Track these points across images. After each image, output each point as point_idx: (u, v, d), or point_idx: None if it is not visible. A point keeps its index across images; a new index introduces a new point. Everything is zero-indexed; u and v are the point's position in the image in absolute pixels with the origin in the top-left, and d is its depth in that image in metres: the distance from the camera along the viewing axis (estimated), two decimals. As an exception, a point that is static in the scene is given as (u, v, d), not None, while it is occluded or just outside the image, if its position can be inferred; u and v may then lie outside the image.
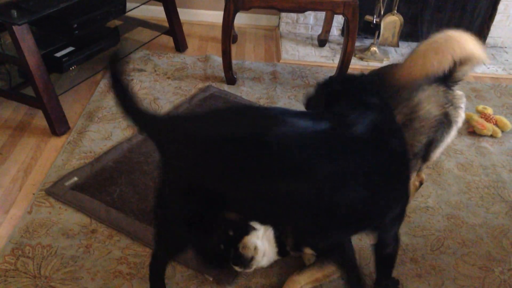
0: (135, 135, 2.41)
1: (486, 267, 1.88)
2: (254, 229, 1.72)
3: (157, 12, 3.33)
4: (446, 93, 1.69)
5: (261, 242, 1.72)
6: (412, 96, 1.67)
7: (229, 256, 1.71)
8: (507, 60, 3.54)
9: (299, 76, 3.11)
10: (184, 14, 3.40)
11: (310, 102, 1.69)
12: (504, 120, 2.69)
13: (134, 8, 2.96)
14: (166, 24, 3.21)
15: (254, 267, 1.71)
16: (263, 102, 2.79)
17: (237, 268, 1.70)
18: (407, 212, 2.08)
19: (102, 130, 2.46)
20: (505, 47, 3.72)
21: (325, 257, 1.72)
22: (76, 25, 2.51)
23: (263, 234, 1.73)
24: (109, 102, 2.67)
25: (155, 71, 3.03)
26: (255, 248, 1.70)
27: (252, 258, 1.69)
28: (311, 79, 3.08)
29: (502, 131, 2.66)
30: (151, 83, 2.90)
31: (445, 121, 1.69)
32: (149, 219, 1.94)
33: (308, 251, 1.78)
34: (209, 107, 2.68)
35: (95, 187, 2.08)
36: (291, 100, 2.84)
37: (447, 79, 1.69)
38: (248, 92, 2.88)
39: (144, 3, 3.03)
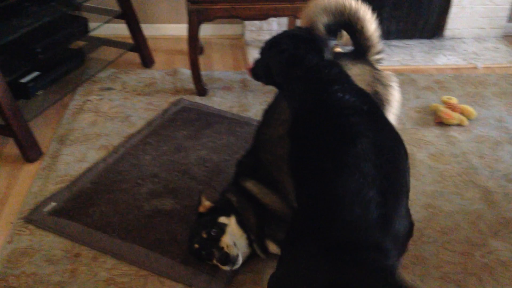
0: (110, 155, 2.39)
1: (467, 252, 1.94)
2: (225, 225, 1.75)
3: (121, 30, 3.31)
4: (372, 72, 1.76)
5: (235, 236, 1.75)
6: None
7: (210, 257, 1.72)
8: (466, 50, 3.67)
9: (268, 82, 3.14)
10: (148, 29, 3.40)
11: (260, 70, 1.75)
12: (469, 108, 2.79)
13: (97, 28, 2.94)
14: (131, 41, 3.20)
15: (240, 262, 1.73)
16: (236, 110, 2.81)
17: (226, 268, 1.71)
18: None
19: (76, 152, 2.44)
20: (463, 38, 3.86)
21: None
22: (39, 49, 2.49)
23: (232, 228, 1.77)
24: (80, 124, 2.64)
25: (124, 88, 3.02)
26: (235, 244, 1.73)
27: (237, 255, 1.71)
28: (280, 84, 3.12)
29: (468, 119, 2.75)
30: (121, 101, 2.89)
31: (377, 101, 1.72)
32: (132, 237, 1.93)
33: (271, 245, 1.80)
34: (182, 120, 2.68)
35: (74, 210, 2.06)
36: (264, 106, 2.87)
37: (365, 54, 1.81)
38: (220, 102, 2.89)
39: (106, 22, 3.02)
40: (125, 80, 3.10)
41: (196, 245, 1.75)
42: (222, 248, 1.70)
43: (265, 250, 1.80)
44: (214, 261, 1.72)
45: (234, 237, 1.75)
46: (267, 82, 1.78)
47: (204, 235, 1.74)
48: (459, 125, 2.72)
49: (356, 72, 1.75)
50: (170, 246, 1.90)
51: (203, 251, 1.74)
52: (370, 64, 1.81)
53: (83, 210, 2.06)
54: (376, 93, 1.75)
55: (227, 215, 1.78)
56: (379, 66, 1.82)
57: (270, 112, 1.92)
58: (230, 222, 1.77)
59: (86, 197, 2.13)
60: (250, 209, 1.81)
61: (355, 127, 1.39)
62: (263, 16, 2.81)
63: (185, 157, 2.40)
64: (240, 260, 1.72)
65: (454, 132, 2.66)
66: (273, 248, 1.80)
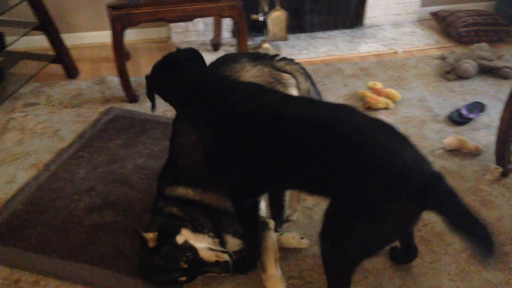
0: (41, 173, 2.29)
1: (404, 227, 2.04)
2: (187, 241, 1.70)
3: (40, 42, 3.18)
4: (271, 73, 1.79)
5: (202, 243, 1.72)
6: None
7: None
8: (385, 37, 3.84)
9: (200, 82, 3.13)
10: (69, 39, 3.28)
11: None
12: (393, 91, 2.93)
13: (14, 41, 2.80)
14: (52, 52, 3.08)
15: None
16: (170, 114, 2.77)
17: (223, 274, 1.70)
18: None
19: (4, 173, 2.31)
20: (382, 25, 4.04)
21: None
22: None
23: (193, 239, 1.73)
24: (5, 144, 2.51)
25: (50, 102, 2.90)
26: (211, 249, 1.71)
27: (229, 253, 1.71)
28: (211, 84, 3.12)
29: (394, 102, 2.89)
30: (48, 115, 2.77)
31: None
32: (74, 254, 1.87)
33: (229, 239, 1.81)
34: (115, 129, 2.62)
35: (8, 235, 1.95)
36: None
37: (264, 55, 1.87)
38: (152, 107, 2.85)
39: (24, 35, 2.88)
40: (49, 93, 2.98)
41: (183, 278, 1.68)
42: (217, 261, 1.67)
43: (224, 246, 1.80)
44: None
45: (202, 244, 1.71)
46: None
47: (185, 265, 1.66)
48: (386, 108, 2.85)
49: (255, 74, 1.77)
50: (115, 259, 1.85)
51: (196, 276, 1.71)
52: (271, 66, 1.81)
53: (18, 234, 1.96)
54: None
55: (178, 231, 1.71)
56: (279, 65, 1.83)
57: (178, 122, 1.91)
58: (187, 235, 1.71)
59: (19, 219, 2.03)
60: (195, 211, 1.80)
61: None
62: (189, 18, 2.80)
63: (121, 167, 2.34)
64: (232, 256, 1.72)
65: (382, 116, 2.78)
66: (233, 243, 1.81)
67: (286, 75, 1.78)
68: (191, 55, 1.76)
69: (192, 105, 1.63)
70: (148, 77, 1.75)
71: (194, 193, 1.81)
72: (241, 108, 1.53)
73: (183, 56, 1.74)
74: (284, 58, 1.85)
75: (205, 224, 1.78)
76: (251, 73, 1.76)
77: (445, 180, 1.33)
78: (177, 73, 1.67)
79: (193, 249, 1.67)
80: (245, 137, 1.51)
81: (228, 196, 1.76)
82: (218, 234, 1.80)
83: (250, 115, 1.50)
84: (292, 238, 1.91)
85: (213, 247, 1.73)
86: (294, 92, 1.77)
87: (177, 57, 1.73)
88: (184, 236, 1.71)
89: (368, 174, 1.31)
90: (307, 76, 1.85)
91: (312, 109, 1.49)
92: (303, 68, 1.86)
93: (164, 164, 1.98)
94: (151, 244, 1.68)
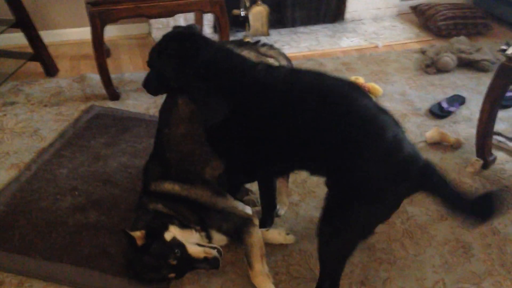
0: (22, 173, 2.25)
1: (389, 221, 2.05)
2: (175, 237, 1.70)
3: (17, 39, 3.11)
4: (258, 57, 1.81)
5: (190, 239, 1.72)
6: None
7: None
8: (366, 31, 3.87)
9: (182, 79, 3.11)
10: (48, 36, 3.22)
11: (153, 83, 1.71)
12: (375, 86, 2.95)
13: (-10, 39, 2.74)
14: (30, 50, 3.02)
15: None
16: (153, 111, 2.75)
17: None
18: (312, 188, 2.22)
19: (-16, 175, 2.27)
20: (362, 19, 4.06)
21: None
22: None
23: (181, 235, 1.73)
24: (-15, 144, 2.46)
25: (29, 101, 2.84)
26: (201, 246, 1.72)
27: (217, 249, 1.71)
28: (194, 80, 3.10)
29: (376, 97, 2.91)
30: (27, 114, 2.72)
31: None
32: (58, 255, 1.84)
33: (215, 234, 1.82)
34: (97, 127, 2.58)
35: (-10, 237, 1.92)
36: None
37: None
38: (135, 104, 2.82)
39: (1, 32, 2.82)
40: (28, 92, 2.92)
41: (172, 274, 1.68)
42: (205, 257, 1.67)
43: (209, 241, 1.80)
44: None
45: (190, 239, 1.71)
46: (159, 91, 1.77)
47: (174, 262, 1.65)
48: (368, 102, 2.86)
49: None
50: (100, 259, 1.83)
51: (185, 273, 1.71)
52: (256, 50, 1.86)
53: (0, 235, 1.93)
54: None
55: (166, 227, 1.71)
56: (263, 50, 1.89)
57: (166, 112, 1.88)
58: (175, 231, 1.71)
59: (1, 221, 1.99)
60: (181, 206, 1.80)
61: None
62: (170, 13, 2.77)
63: (104, 165, 2.32)
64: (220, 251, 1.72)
65: (364, 110, 2.80)
66: (218, 238, 1.81)
67: (270, 59, 1.85)
68: (195, 30, 1.71)
69: (211, 77, 1.57)
70: (156, 55, 1.64)
71: (181, 188, 1.80)
72: (263, 79, 1.53)
73: (192, 31, 1.67)
74: (265, 44, 1.91)
75: (191, 219, 1.78)
76: None
77: (435, 167, 1.47)
78: (199, 44, 1.60)
79: (182, 246, 1.67)
80: (264, 109, 1.51)
81: (215, 192, 1.78)
82: (204, 229, 1.80)
83: (271, 86, 1.52)
84: (278, 234, 1.92)
85: (202, 242, 1.74)
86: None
87: (190, 31, 1.67)
88: (172, 232, 1.70)
89: (380, 159, 1.40)
90: (288, 59, 1.94)
91: (324, 82, 1.52)
92: (284, 53, 1.94)
93: (149, 157, 1.95)
94: (140, 242, 1.66)
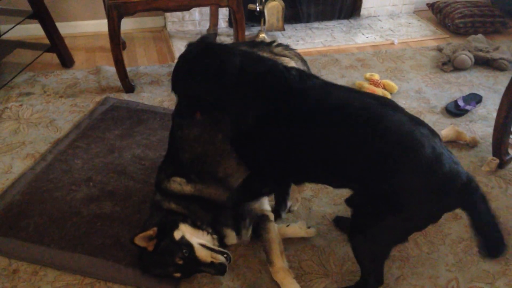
0: (37, 163, 2.28)
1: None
2: (184, 237, 1.69)
3: (35, 30, 3.14)
4: (272, 57, 1.78)
5: (200, 240, 1.71)
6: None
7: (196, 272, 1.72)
8: (382, 27, 3.84)
9: (196, 73, 3.11)
10: (64, 28, 3.24)
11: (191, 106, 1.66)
12: (390, 83, 2.93)
13: (8, 30, 2.77)
14: (47, 41, 3.04)
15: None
16: (167, 104, 2.76)
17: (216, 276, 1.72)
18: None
19: (0, 163, 2.29)
20: (378, 16, 4.03)
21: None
22: None
23: (191, 235, 1.72)
24: (1, 133, 2.49)
25: (45, 92, 2.87)
26: (207, 247, 1.70)
27: (226, 254, 1.70)
28: (208, 74, 3.10)
29: (391, 93, 2.89)
30: (43, 105, 2.74)
31: None
32: (73, 245, 1.86)
33: (229, 232, 1.81)
34: (112, 119, 2.60)
35: (6, 225, 1.94)
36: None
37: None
38: (150, 97, 2.83)
39: (18, 23, 2.84)
40: (44, 83, 2.95)
41: (178, 274, 1.69)
42: (212, 262, 1.65)
43: (222, 241, 1.79)
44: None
45: (199, 240, 1.70)
46: (193, 115, 1.67)
47: (180, 262, 1.66)
48: (383, 99, 2.84)
49: None
50: (114, 250, 1.85)
51: (191, 274, 1.72)
52: (269, 51, 1.83)
53: (15, 224, 1.95)
54: None
55: (176, 226, 1.71)
56: (277, 50, 1.85)
57: (179, 116, 1.85)
58: (185, 230, 1.71)
59: (17, 210, 2.02)
60: (194, 205, 1.79)
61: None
62: (186, 7, 2.77)
63: (119, 157, 2.33)
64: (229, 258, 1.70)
65: (379, 107, 2.78)
66: (233, 236, 1.80)
67: (286, 59, 1.82)
68: (210, 41, 1.67)
69: (243, 85, 1.51)
70: (181, 80, 1.59)
71: (193, 188, 1.80)
72: (298, 86, 1.51)
73: (207, 42, 1.60)
74: (280, 44, 1.89)
75: (204, 218, 1.77)
76: None
77: (478, 185, 1.46)
78: (222, 57, 1.51)
79: (190, 246, 1.66)
80: (298, 116, 1.49)
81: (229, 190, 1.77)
82: (217, 228, 1.79)
83: (307, 94, 1.50)
84: (299, 228, 1.92)
85: (211, 245, 1.72)
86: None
87: (205, 44, 1.57)
88: (182, 231, 1.70)
89: (418, 176, 1.40)
90: (304, 61, 1.90)
91: (356, 99, 1.51)
92: (299, 54, 1.91)
93: (164, 157, 1.96)
94: (150, 248, 1.67)
